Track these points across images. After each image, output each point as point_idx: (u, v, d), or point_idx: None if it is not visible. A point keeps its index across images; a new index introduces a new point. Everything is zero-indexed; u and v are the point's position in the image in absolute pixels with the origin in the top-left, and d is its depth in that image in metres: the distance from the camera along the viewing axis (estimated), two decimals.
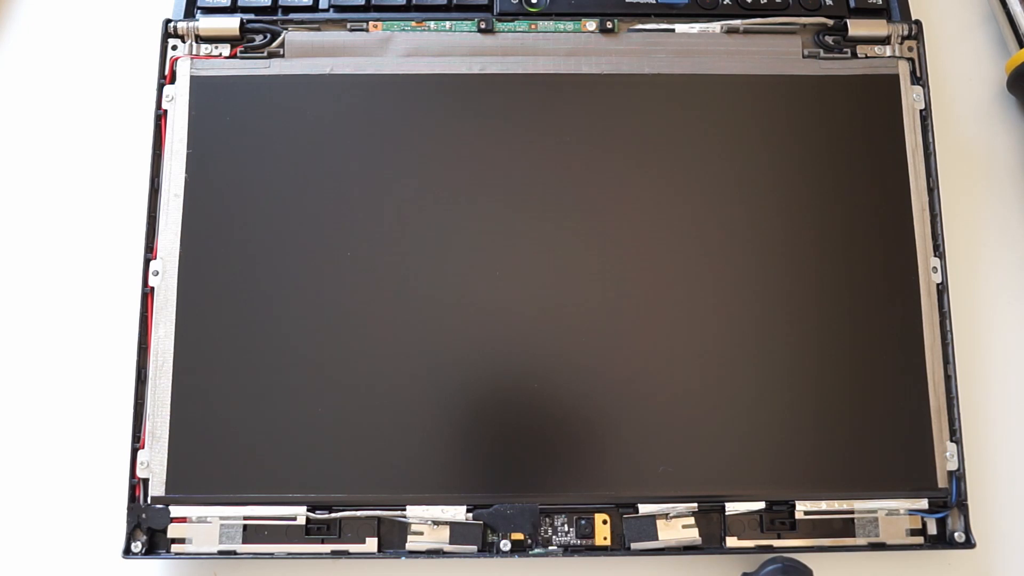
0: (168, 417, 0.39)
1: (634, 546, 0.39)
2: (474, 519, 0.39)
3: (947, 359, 0.41)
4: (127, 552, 0.38)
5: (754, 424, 0.39)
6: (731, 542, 0.39)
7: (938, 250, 0.42)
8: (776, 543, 0.39)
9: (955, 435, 0.40)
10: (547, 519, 0.39)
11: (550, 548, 0.39)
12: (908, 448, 0.40)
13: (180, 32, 0.44)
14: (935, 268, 0.41)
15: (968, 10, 0.49)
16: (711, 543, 0.39)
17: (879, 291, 0.41)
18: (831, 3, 0.45)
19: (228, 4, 0.45)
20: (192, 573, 0.40)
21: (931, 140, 0.43)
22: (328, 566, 0.40)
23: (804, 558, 0.39)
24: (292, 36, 0.44)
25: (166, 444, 0.39)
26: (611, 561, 0.40)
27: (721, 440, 0.39)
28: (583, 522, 0.39)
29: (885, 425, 0.40)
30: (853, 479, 0.39)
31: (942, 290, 0.41)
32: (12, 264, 0.44)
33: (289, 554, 0.39)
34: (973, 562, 0.41)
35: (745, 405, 0.40)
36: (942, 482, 0.39)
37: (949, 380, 0.41)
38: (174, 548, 0.39)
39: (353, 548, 0.39)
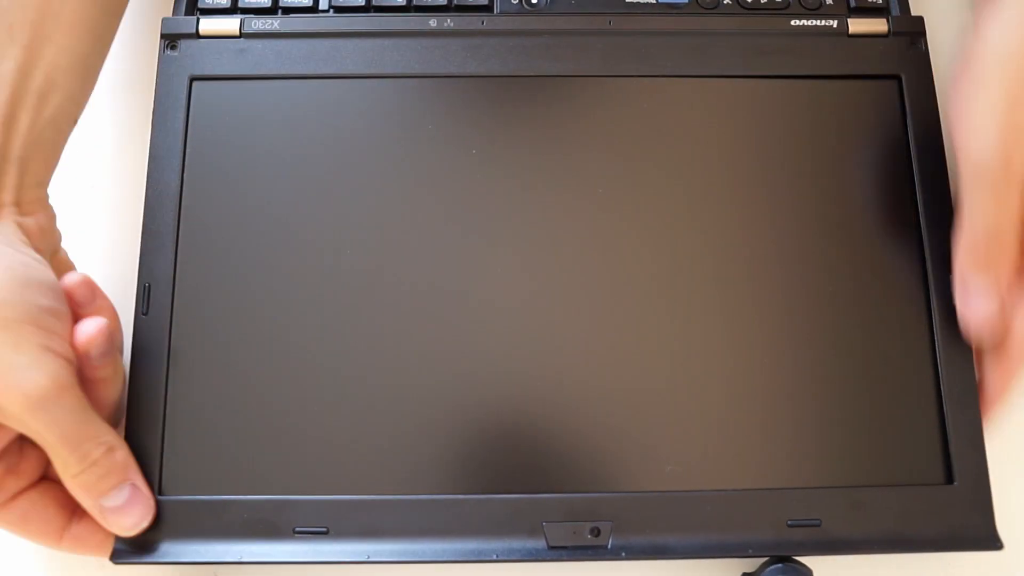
0: (167, 417, 0.39)
1: None
2: None
3: None
4: None
5: (755, 424, 0.39)
6: None
7: None
8: None
9: None
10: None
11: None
12: (913, 448, 0.39)
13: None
14: None
15: (968, 10, 0.49)
16: None
17: (883, 290, 0.41)
18: (831, 3, 0.45)
19: (228, 4, 0.45)
20: (192, 573, 0.40)
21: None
22: (328, 566, 0.40)
23: (804, 558, 0.38)
24: None
25: (165, 444, 0.39)
26: (611, 561, 0.40)
27: (722, 440, 0.39)
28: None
29: (893, 425, 0.39)
30: (857, 479, 0.39)
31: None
32: None
33: None
34: (987, 562, 0.40)
35: (745, 405, 0.40)
36: None
37: None
38: None
39: None
